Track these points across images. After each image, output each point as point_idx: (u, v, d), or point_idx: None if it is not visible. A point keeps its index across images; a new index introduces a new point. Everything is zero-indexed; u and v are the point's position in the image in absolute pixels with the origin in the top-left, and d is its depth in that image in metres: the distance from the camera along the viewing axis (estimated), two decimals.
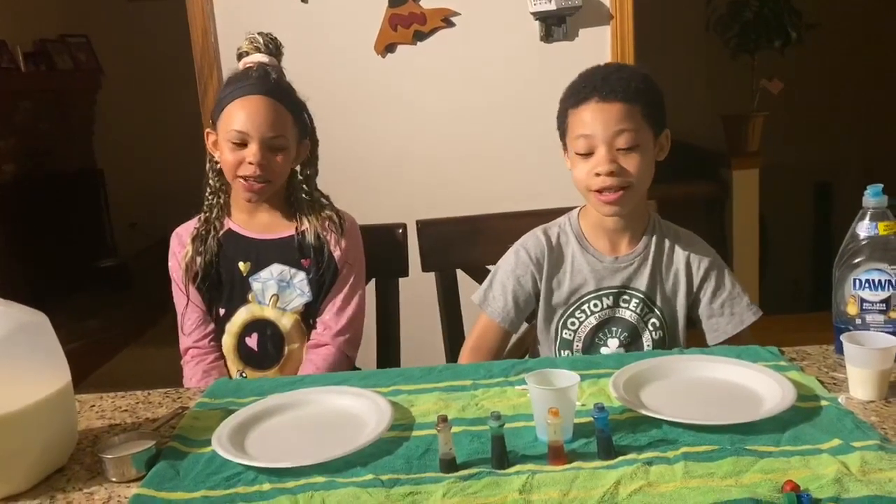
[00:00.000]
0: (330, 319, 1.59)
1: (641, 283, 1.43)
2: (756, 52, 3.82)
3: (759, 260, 3.91)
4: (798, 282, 4.70)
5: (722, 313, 1.44)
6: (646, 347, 1.43)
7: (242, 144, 1.50)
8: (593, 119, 1.34)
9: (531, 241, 1.49)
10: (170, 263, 1.63)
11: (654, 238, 1.45)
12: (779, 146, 4.18)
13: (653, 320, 1.44)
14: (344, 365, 1.59)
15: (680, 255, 1.45)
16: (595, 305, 1.44)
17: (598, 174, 1.34)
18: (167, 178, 4.44)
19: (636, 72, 1.41)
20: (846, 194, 3.85)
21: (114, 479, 1.00)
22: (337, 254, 1.58)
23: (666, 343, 1.44)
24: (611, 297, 1.44)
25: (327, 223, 1.59)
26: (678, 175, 3.64)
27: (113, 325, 4.57)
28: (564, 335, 1.46)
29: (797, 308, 4.05)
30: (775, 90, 3.73)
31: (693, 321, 1.48)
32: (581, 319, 1.44)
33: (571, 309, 1.45)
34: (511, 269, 1.48)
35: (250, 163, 1.50)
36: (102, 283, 5.15)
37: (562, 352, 1.47)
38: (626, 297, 1.44)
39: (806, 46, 3.84)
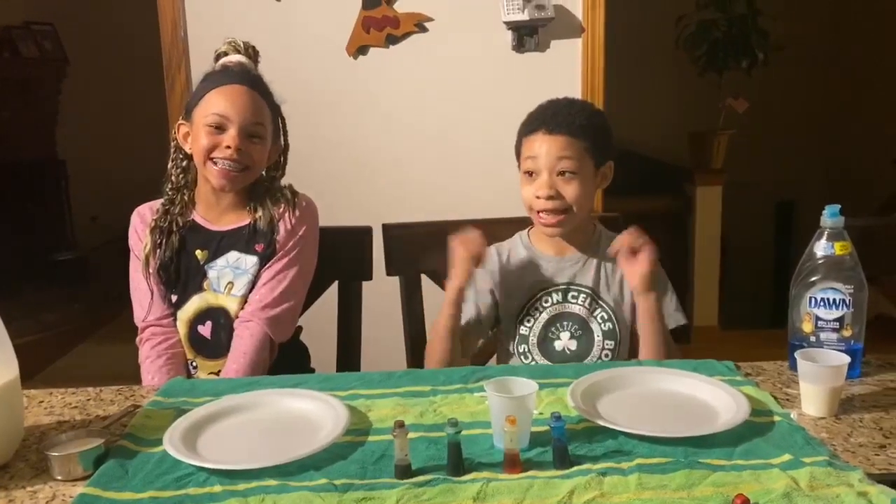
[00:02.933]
0: (256, 293, 1.54)
1: (587, 279, 1.54)
2: (723, 71, 3.89)
3: (720, 276, 3.96)
4: (758, 298, 4.77)
5: None
6: (596, 338, 1.53)
7: (220, 129, 1.49)
8: (539, 147, 1.49)
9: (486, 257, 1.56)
10: (130, 241, 1.60)
11: (599, 243, 1.56)
12: (742, 164, 4.25)
13: (601, 313, 1.54)
14: (266, 347, 1.53)
15: None
16: (546, 301, 1.55)
17: (538, 196, 1.48)
18: (130, 171, 4.36)
19: (585, 108, 1.56)
20: (807, 213, 3.93)
21: (59, 478, 0.98)
22: (285, 228, 1.55)
23: (617, 334, 1.53)
24: (560, 293, 1.55)
25: (281, 201, 1.57)
26: (642, 189, 3.70)
27: (69, 320, 4.46)
28: (521, 331, 1.55)
29: (756, 324, 4.11)
30: (741, 109, 3.80)
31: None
32: (535, 316, 1.55)
33: (527, 307, 1.55)
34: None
35: (227, 146, 1.48)
36: (60, 277, 5.03)
37: (519, 347, 1.55)
38: (573, 292, 1.55)
39: (772, 68, 3.91)
